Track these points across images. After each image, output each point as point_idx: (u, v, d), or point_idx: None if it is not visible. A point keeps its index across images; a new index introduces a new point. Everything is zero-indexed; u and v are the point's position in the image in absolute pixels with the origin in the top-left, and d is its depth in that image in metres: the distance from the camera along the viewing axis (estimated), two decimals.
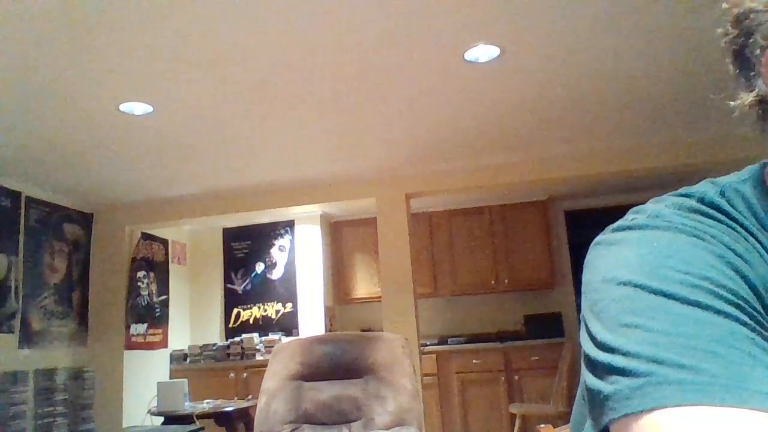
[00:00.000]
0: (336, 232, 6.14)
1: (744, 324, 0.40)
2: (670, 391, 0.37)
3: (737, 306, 0.41)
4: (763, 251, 0.46)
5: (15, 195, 4.23)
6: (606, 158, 4.53)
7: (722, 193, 0.49)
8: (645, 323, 0.40)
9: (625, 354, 0.39)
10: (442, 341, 5.68)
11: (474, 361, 5.40)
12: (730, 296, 0.41)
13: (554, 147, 4.33)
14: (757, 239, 0.47)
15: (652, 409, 0.36)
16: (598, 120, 3.83)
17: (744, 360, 0.37)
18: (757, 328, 0.40)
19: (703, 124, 4.03)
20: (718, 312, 0.40)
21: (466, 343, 5.55)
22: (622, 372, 0.39)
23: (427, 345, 5.47)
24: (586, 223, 5.68)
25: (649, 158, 4.47)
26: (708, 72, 3.18)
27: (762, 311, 0.42)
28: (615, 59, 2.98)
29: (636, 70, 3.12)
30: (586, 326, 0.45)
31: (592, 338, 0.43)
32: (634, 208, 0.51)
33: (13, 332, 4.11)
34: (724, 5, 0.49)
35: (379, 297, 4.83)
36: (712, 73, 3.20)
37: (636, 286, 0.42)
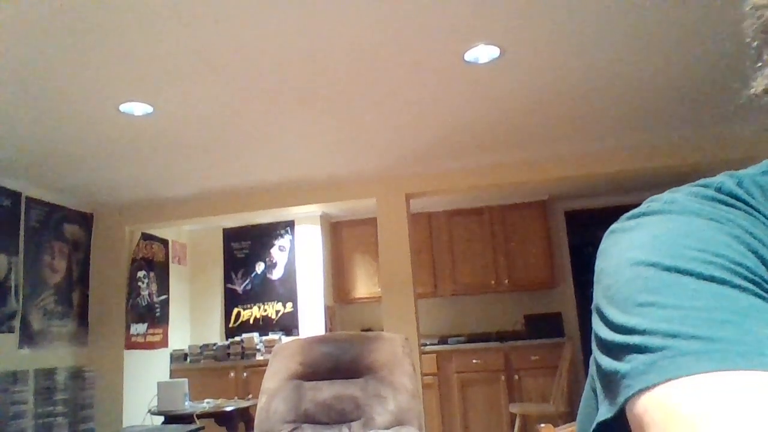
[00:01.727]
0: (336, 232, 6.14)
1: (762, 298, 0.39)
2: (684, 361, 0.36)
3: (754, 282, 0.40)
4: None
5: (15, 195, 4.23)
6: (606, 158, 4.53)
7: (740, 184, 0.49)
8: (660, 300, 0.40)
9: (641, 332, 0.39)
10: (442, 341, 5.69)
11: (474, 360, 5.40)
12: (746, 273, 0.41)
13: (554, 147, 4.34)
14: None
15: (667, 381, 0.36)
16: (598, 120, 3.83)
17: (762, 329, 0.37)
18: None
19: (703, 124, 4.03)
20: (735, 286, 0.40)
21: (466, 342, 5.55)
22: (639, 349, 0.39)
23: (427, 345, 5.48)
24: (586, 224, 5.70)
25: (649, 158, 4.47)
26: (708, 72, 3.18)
27: None
28: (615, 59, 2.98)
29: (636, 70, 3.12)
30: (601, 313, 0.44)
31: (607, 323, 0.43)
32: (651, 197, 0.51)
33: (13, 332, 4.11)
34: None
35: (379, 297, 4.83)
36: (713, 74, 3.20)
37: (650, 264, 0.42)
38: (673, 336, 0.38)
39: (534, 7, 2.45)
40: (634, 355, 0.39)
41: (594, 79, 3.20)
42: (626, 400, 0.38)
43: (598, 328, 0.44)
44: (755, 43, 0.50)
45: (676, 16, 2.59)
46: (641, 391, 0.37)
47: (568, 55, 2.91)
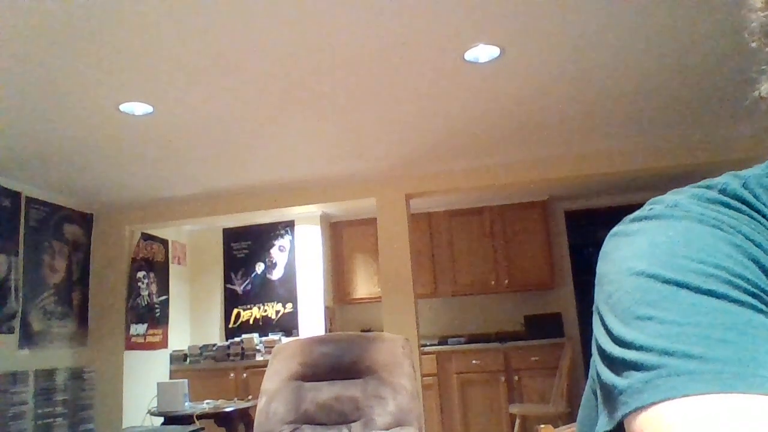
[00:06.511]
0: (336, 232, 6.14)
1: (761, 312, 0.39)
2: (678, 382, 0.36)
3: (754, 295, 0.40)
4: None
5: (15, 195, 4.22)
6: (606, 158, 4.53)
7: (745, 185, 0.48)
8: (658, 314, 0.40)
9: (638, 348, 0.39)
10: (442, 341, 5.68)
11: (474, 361, 5.40)
12: (746, 285, 0.40)
13: (554, 147, 4.33)
14: None
15: (661, 401, 0.36)
16: (598, 120, 3.83)
17: (759, 347, 0.37)
18: None
19: (704, 123, 4.03)
20: (733, 301, 0.39)
21: (466, 343, 5.55)
22: (635, 366, 0.39)
23: (427, 345, 5.47)
24: (587, 224, 5.70)
25: (649, 158, 4.47)
26: (708, 73, 3.18)
27: None
28: (615, 60, 2.98)
29: (636, 70, 3.11)
30: (602, 319, 0.44)
31: (608, 332, 0.43)
32: (653, 199, 0.50)
33: (13, 332, 4.11)
34: None
35: (379, 297, 4.82)
36: (713, 74, 3.20)
37: (649, 276, 0.42)
38: (669, 354, 0.38)
39: (534, 7, 2.45)
40: (631, 371, 0.39)
41: (594, 80, 3.20)
42: (623, 416, 0.39)
43: (599, 333, 0.44)
44: (757, 44, 0.49)
45: (676, 17, 2.59)
46: (637, 410, 0.38)
47: (568, 55, 2.90)
